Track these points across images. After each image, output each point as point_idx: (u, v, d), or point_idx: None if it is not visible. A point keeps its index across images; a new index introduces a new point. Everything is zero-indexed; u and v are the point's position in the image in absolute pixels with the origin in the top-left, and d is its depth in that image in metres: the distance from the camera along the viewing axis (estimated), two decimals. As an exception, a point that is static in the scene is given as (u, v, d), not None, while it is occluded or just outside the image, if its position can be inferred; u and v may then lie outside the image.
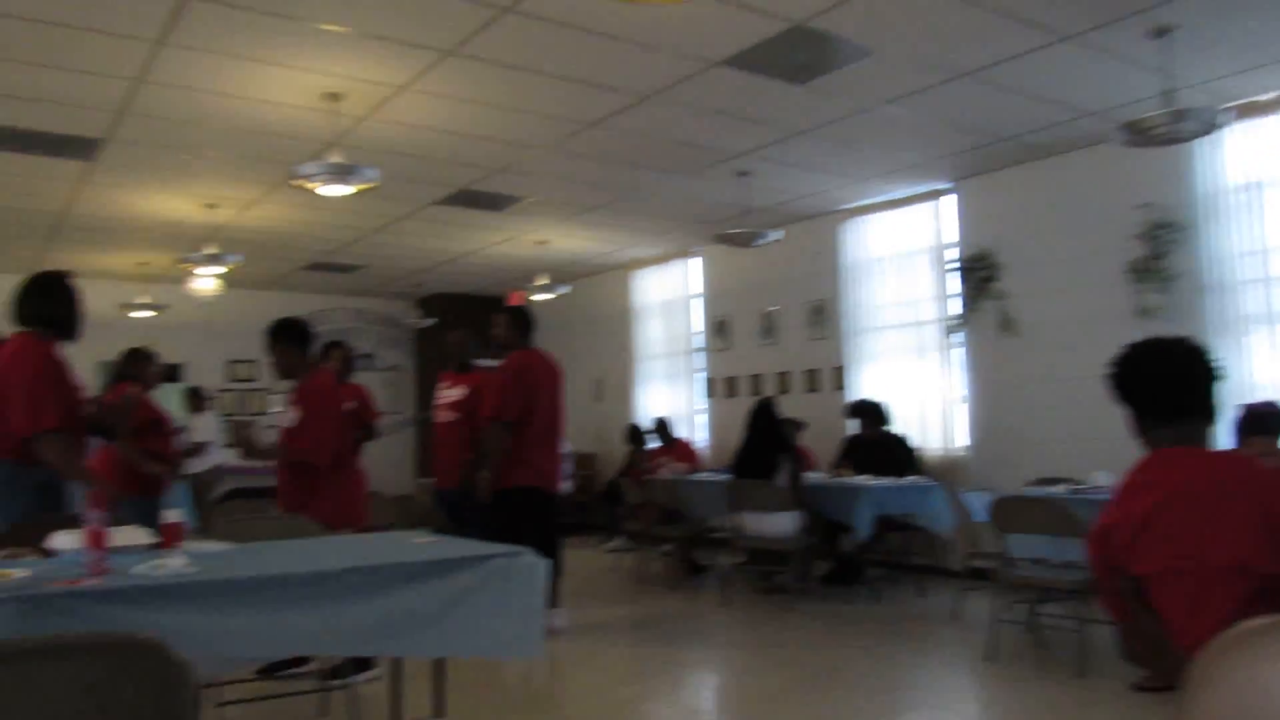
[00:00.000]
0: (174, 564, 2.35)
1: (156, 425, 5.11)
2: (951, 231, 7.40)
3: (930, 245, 7.56)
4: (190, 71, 4.91)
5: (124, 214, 7.74)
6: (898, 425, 7.36)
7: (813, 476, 6.70)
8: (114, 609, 2.11)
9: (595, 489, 10.23)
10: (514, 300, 11.83)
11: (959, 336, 7.27)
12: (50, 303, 3.72)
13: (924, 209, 7.60)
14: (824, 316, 8.34)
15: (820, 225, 8.29)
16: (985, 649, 4.84)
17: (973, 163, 6.81)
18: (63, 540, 2.66)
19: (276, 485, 4.34)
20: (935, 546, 7.13)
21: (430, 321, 10.82)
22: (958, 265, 7.23)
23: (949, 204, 7.42)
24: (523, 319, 5.57)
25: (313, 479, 4.26)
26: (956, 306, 7.28)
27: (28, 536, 2.93)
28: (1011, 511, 4.66)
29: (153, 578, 2.26)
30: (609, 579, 7.46)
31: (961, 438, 7.27)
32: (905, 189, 7.51)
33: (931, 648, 5.12)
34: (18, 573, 2.16)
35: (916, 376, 7.58)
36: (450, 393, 5.86)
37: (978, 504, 5.33)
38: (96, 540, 2.33)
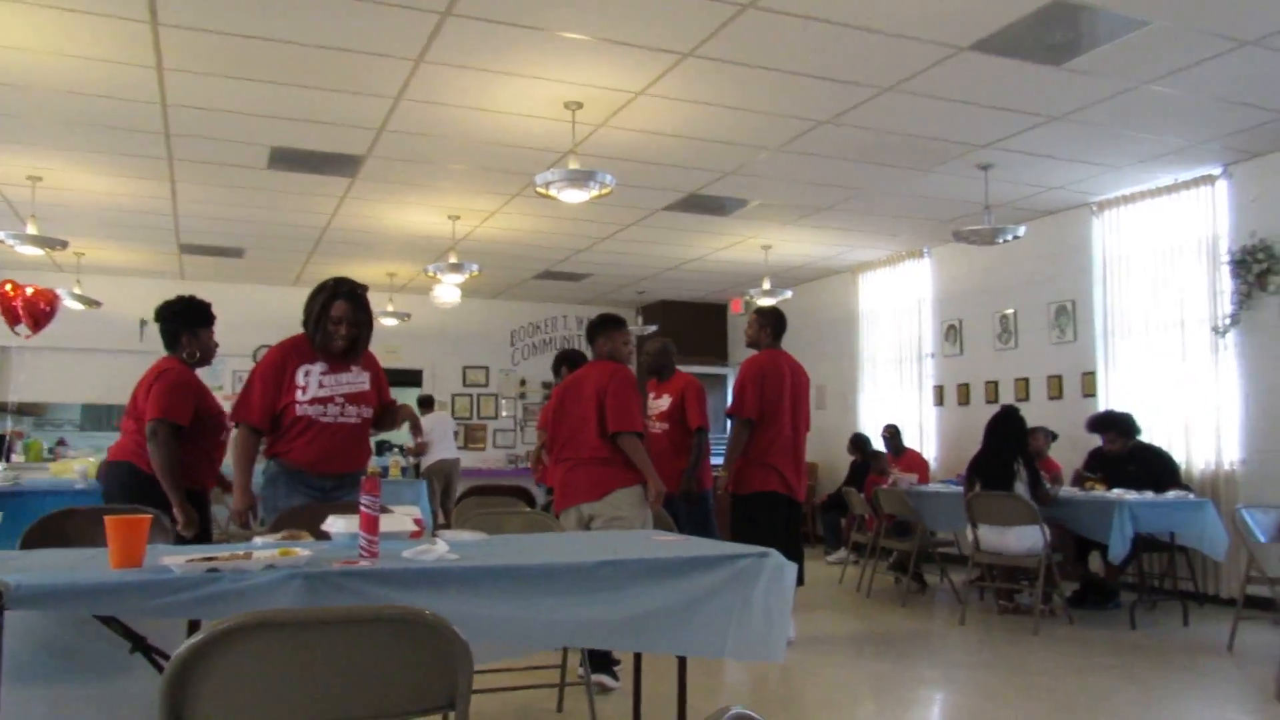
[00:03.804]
0: (439, 550, 2.41)
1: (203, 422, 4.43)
2: (1223, 221, 6.69)
3: (1197, 237, 6.86)
4: (443, 87, 5.18)
5: (376, 227, 8.29)
6: (1156, 436, 6.75)
7: (1065, 491, 6.28)
8: (388, 589, 2.19)
9: (817, 498, 10.04)
10: (735, 306, 11.87)
11: (1231, 338, 6.55)
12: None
13: (1190, 197, 6.90)
14: (1070, 318, 7.79)
15: (1068, 219, 7.77)
16: (1277, 687, 4.27)
17: (1249, 143, 6.13)
18: (337, 524, 2.79)
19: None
20: (1202, 569, 6.47)
21: (652, 328, 10.93)
22: (1230, 258, 6.52)
23: (1219, 190, 6.71)
24: (774, 319, 5.56)
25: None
26: (1228, 304, 6.56)
27: (305, 520, 3.14)
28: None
29: (422, 562, 2.33)
30: (833, 591, 7.27)
31: (1232, 450, 6.54)
32: (1168, 176, 6.87)
33: (1205, 682, 4.58)
34: (302, 552, 2.28)
35: (1179, 383, 6.89)
36: (658, 402, 5.91)
37: (1259, 523, 4.75)
38: (370, 525, 2.43)
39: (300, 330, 3.76)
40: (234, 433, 3.83)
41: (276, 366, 3.67)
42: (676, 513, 5.50)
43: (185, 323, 4.32)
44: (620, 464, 4.29)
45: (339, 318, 3.69)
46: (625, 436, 4.26)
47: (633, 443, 4.26)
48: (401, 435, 11.14)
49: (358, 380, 3.75)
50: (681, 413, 5.72)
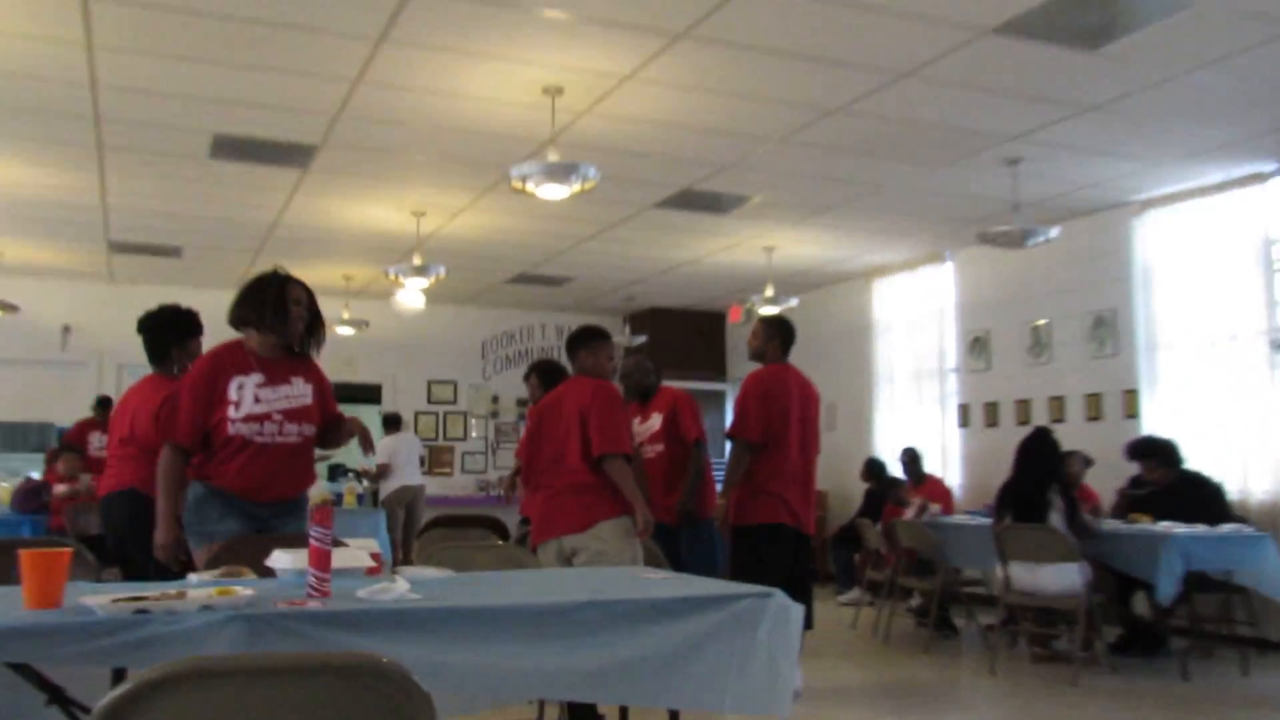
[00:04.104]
0: (399, 589, 2.40)
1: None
2: (1277, 223, 6.75)
3: (1249, 240, 6.91)
4: (407, 70, 5.19)
5: (332, 224, 8.29)
6: (1205, 462, 6.77)
7: (1103, 523, 6.29)
8: (340, 633, 2.18)
9: (827, 531, 10.01)
10: (734, 315, 11.88)
11: (1293, 352, 6.59)
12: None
13: (1240, 196, 6.96)
14: (1109, 330, 7.83)
15: (1106, 220, 7.82)
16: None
17: (1307, 139, 6.19)
18: (283, 559, 2.78)
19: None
20: (1262, 612, 6.47)
21: (641, 339, 10.94)
22: (1289, 265, 6.58)
23: (1272, 189, 6.78)
24: (782, 329, 5.54)
25: None
26: (1288, 316, 6.62)
27: (246, 554, 3.11)
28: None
29: (379, 602, 2.32)
30: (845, 636, 7.27)
31: (1295, 479, 6.58)
32: (1216, 173, 6.92)
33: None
34: (243, 590, 2.27)
35: (1232, 402, 6.93)
36: (646, 426, 5.92)
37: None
38: (320, 560, 2.41)
39: (235, 337, 3.74)
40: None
41: (206, 378, 3.63)
42: (676, 543, 5.55)
43: (175, 334, 4.35)
44: (606, 491, 4.28)
45: (298, 298, 3.71)
46: (611, 460, 4.25)
47: (620, 467, 4.26)
48: (356, 456, 11.11)
49: (298, 394, 3.72)
50: (675, 428, 5.73)
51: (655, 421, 5.87)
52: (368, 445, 3.96)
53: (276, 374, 3.69)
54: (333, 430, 3.88)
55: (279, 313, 3.69)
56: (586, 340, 4.59)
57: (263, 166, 6.80)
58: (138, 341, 4.54)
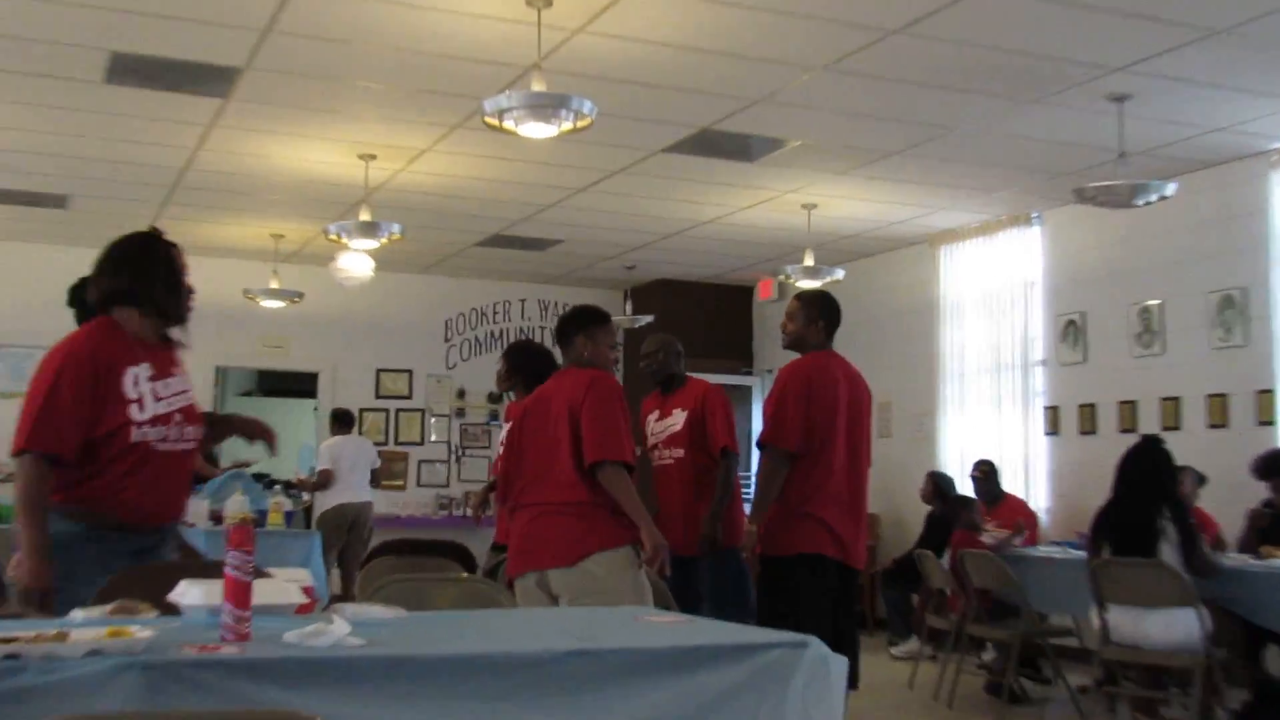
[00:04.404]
0: (337, 632, 2.39)
1: None
2: None
3: None
4: (354, -28, 5.19)
5: (258, 168, 8.32)
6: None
7: (1226, 558, 6.31)
8: (263, 686, 2.17)
9: (878, 565, 10.06)
10: (764, 290, 11.86)
11: None
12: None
13: None
14: (1239, 314, 7.87)
15: (1236, 173, 7.84)
16: None
17: None
18: (191, 593, 2.77)
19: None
20: None
21: (645, 320, 10.97)
22: None
23: None
24: (825, 308, 5.48)
25: None
26: None
27: (143, 585, 3.04)
28: None
29: (312, 648, 2.31)
30: (900, 698, 7.32)
31: None
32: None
33: None
34: (140, 631, 2.26)
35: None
36: (665, 424, 5.95)
37: None
38: (239, 595, 2.41)
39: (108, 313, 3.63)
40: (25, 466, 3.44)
41: (95, 369, 3.48)
42: (695, 577, 5.59)
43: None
44: (604, 511, 4.30)
45: (185, 265, 3.71)
46: (609, 469, 4.26)
47: (618, 477, 4.27)
48: (285, 465, 11.11)
49: (184, 388, 3.69)
50: (701, 431, 5.75)
51: (678, 420, 5.90)
52: (256, 437, 3.95)
53: (162, 364, 3.64)
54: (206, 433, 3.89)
55: (172, 286, 3.66)
56: (584, 324, 4.60)
57: (172, 94, 6.77)
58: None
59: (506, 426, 5.76)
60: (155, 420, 3.54)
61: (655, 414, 6.05)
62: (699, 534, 5.67)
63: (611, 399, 4.40)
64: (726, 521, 5.75)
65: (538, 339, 11.19)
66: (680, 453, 5.84)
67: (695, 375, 6.28)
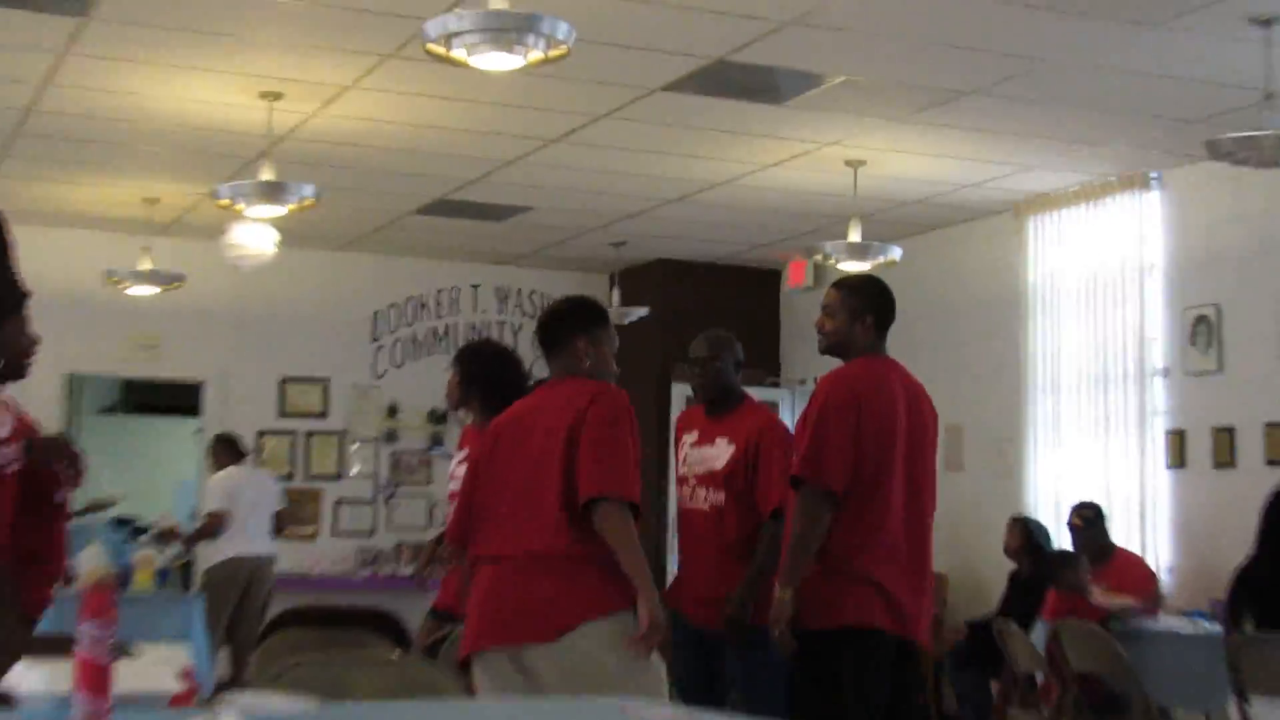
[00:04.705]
0: (225, 729, 2.34)
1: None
2: None
3: None
4: None
5: (126, 110, 8.28)
6: None
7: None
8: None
9: (946, 641, 9.98)
10: (795, 274, 11.77)
11: None
12: None
13: None
14: None
15: None
16: None
17: None
18: (32, 678, 2.92)
19: None
20: None
21: (638, 313, 11.05)
22: None
23: None
24: (878, 301, 5.48)
25: None
26: None
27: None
28: None
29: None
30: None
31: None
32: None
33: None
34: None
35: None
36: (704, 453, 5.96)
37: None
38: (95, 680, 2.28)
39: None
40: None
41: None
42: (717, 656, 5.72)
43: None
44: (595, 567, 4.36)
45: (11, 242, 3.65)
46: (608, 508, 4.32)
47: (621, 521, 4.33)
48: (156, 505, 11.01)
49: None
50: (751, 479, 5.73)
51: (721, 453, 5.88)
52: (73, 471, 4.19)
53: None
54: None
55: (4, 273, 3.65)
56: (585, 323, 4.72)
57: (14, 12, 6.69)
58: None
59: (460, 456, 5.95)
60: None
61: (694, 435, 6.04)
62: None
63: (620, 421, 4.48)
64: (761, 597, 5.70)
65: (497, 338, 11.12)
66: (719, 498, 5.83)
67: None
